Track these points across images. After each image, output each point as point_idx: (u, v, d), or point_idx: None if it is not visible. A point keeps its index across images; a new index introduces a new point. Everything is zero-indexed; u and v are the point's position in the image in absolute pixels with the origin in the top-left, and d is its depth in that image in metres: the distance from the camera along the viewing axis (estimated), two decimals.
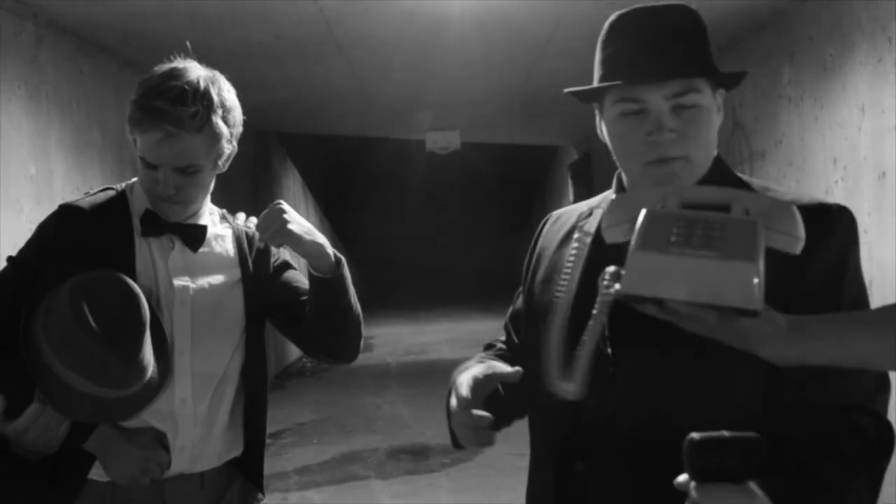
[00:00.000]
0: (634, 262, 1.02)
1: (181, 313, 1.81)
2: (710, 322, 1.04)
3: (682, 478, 1.09)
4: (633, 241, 1.03)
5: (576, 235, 1.43)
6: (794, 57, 5.14)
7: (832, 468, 1.17)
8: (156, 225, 1.80)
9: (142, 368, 1.69)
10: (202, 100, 1.72)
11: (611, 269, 1.11)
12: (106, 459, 1.75)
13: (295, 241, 1.75)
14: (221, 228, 1.91)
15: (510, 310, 1.66)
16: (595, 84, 1.39)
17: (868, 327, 1.08)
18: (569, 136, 11.32)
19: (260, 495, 1.96)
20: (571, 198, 11.18)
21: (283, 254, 1.96)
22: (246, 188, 8.17)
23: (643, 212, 1.07)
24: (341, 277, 1.82)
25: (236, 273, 1.88)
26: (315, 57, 6.01)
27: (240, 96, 1.85)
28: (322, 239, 1.80)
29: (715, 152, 1.38)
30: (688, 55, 1.32)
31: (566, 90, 1.43)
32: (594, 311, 1.17)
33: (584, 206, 1.54)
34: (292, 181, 11.55)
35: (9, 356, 1.71)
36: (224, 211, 1.95)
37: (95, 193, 1.86)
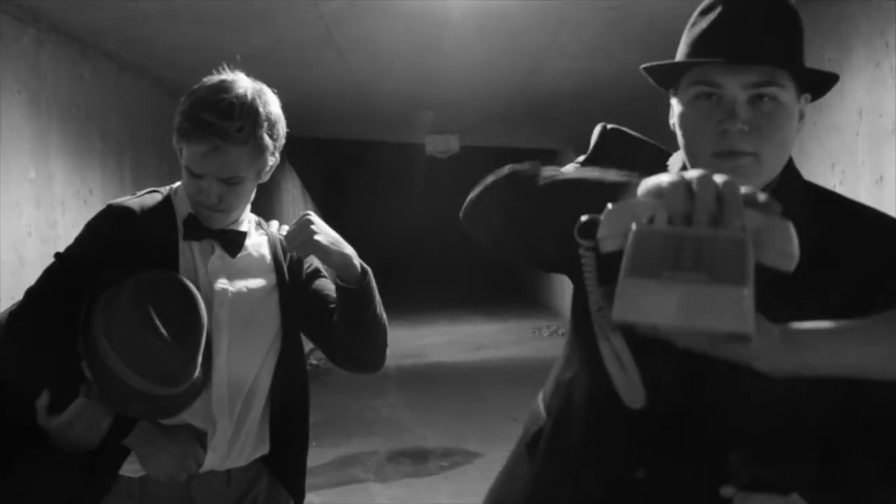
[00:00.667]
0: (624, 289, 1.00)
1: (220, 315, 1.84)
2: (703, 340, 1.04)
3: (729, 489, 1.08)
4: (622, 266, 1.02)
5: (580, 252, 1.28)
6: None
7: (884, 491, 1.14)
8: (198, 229, 1.84)
9: (194, 368, 1.74)
10: (249, 114, 1.76)
11: (600, 289, 1.10)
12: (145, 455, 1.78)
13: (322, 252, 1.80)
14: (257, 235, 1.94)
15: None
16: (674, 60, 1.28)
17: (861, 337, 1.08)
18: (569, 140, 11.33)
19: (289, 497, 1.98)
20: None
21: (315, 262, 2.00)
22: None
23: (632, 229, 1.04)
24: (368, 288, 1.85)
25: (272, 279, 1.93)
26: (315, 61, 6.02)
27: None
28: (349, 250, 1.84)
29: (787, 158, 1.29)
30: (775, 44, 1.21)
31: (643, 66, 1.31)
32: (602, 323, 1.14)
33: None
34: (291, 184, 11.57)
35: (56, 352, 1.74)
36: (260, 218, 1.98)
37: (142, 195, 1.89)
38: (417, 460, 6.04)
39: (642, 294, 0.99)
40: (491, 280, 19.57)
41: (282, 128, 1.88)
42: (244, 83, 1.80)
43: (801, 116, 1.28)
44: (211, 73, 1.85)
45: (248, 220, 1.94)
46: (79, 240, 1.84)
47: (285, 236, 1.84)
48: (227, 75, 1.82)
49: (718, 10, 1.23)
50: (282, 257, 1.93)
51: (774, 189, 1.28)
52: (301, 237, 1.78)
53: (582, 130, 10.71)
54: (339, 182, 21.99)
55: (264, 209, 1.88)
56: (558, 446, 1.42)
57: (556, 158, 13.80)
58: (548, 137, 11.43)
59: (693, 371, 1.23)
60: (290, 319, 1.93)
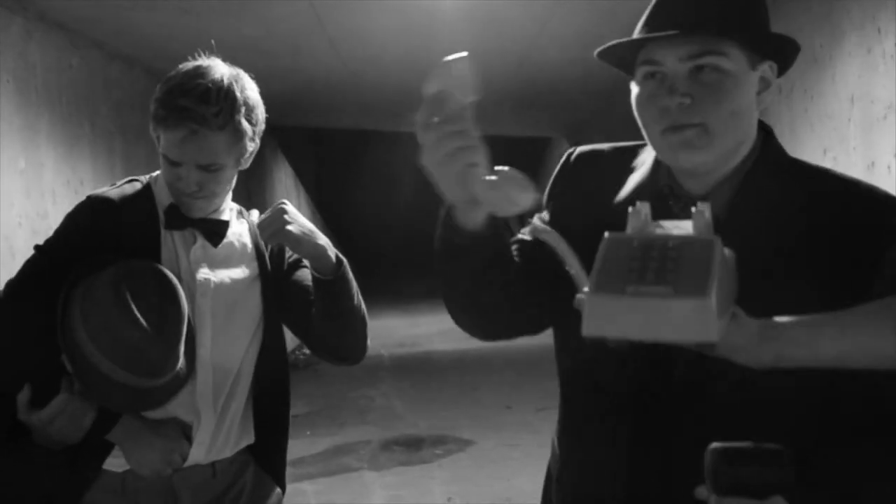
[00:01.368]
0: (591, 305, 1.03)
1: (202, 305, 1.83)
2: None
3: (703, 490, 1.08)
4: (590, 280, 1.04)
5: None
6: None
7: (871, 489, 1.13)
8: (179, 218, 1.83)
9: (176, 359, 1.72)
10: (226, 98, 1.74)
11: (580, 295, 1.09)
12: (130, 450, 1.76)
13: (293, 242, 1.78)
14: (239, 225, 1.93)
15: None
16: (612, 42, 1.28)
17: (840, 329, 1.09)
18: (561, 127, 11.32)
19: (275, 486, 1.97)
20: None
21: None
22: (238, 181, 8.15)
23: (605, 238, 1.07)
24: (343, 279, 1.84)
25: (254, 268, 1.91)
26: (306, 50, 5.99)
27: None
28: (323, 240, 1.82)
29: (753, 130, 1.26)
30: (711, 13, 1.18)
31: (597, 55, 1.31)
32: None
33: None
34: (284, 174, 11.54)
35: (37, 346, 1.73)
36: (241, 207, 1.97)
37: (122, 185, 1.87)
38: (411, 448, 6.05)
39: (609, 310, 1.02)
40: None
41: (260, 113, 1.85)
42: (221, 68, 1.79)
43: (767, 84, 1.25)
44: (234, 68, 1.83)
45: (229, 209, 1.92)
46: (58, 232, 1.83)
47: (258, 224, 1.83)
48: (203, 61, 1.80)
49: None
50: (263, 247, 1.92)
51: (755, 161, 1.27)
52: (273, 226, 1.76)
53: (574, 118, 10.76)
54: (332, 172, 21.94)
55: (257, 200, 1.86)
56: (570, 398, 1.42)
57: (550, 146, 13.78)
58: (540, 126, 11.42)
59: (668, 366, 1.25)
60: (272, 309, 1.92)
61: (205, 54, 1.83)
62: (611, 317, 1.02)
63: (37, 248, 1.81)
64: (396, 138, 14.21)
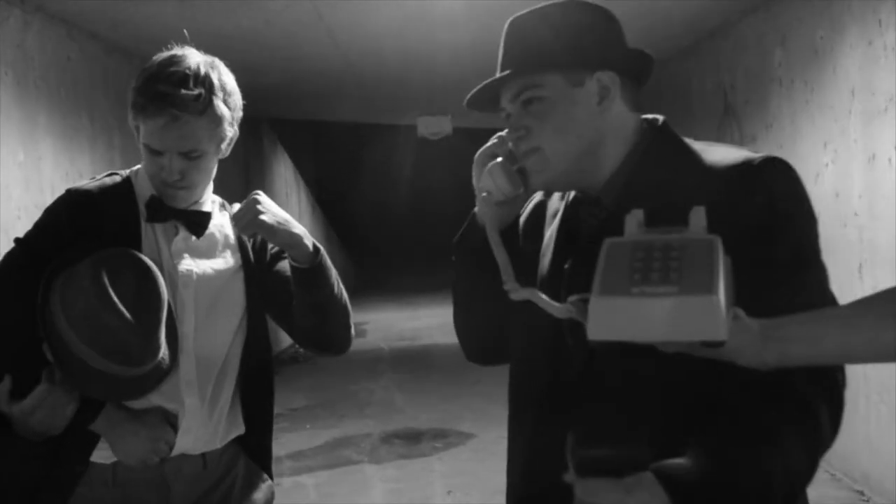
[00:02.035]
0: (597, 308, 1.02)
1: (185, 296, 1.82)
2: (682, 345, 1.06)
3: (570, 475, 1.09)
4: (594, 284, 1.03)
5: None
6: (786, 40, 5.14)
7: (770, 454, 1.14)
8: (160, 210, 1.82)
9: (157, 347, 1.71)
10: (203, 83, 1.73)
11: (573, 297, 1.11)
12: (114, 440, 1.75)
13: (267, 232, 1.77)
14: (221, 216, 1.92)
15: None
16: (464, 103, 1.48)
17: (841, 325, 1.09)
18: None
19: (265, 476, 1.97)
20: None
21: None
22: (237, 174, 8.14)
23: (604, 243, 1.07)
24: (321, 267, 1.83)
25: (237, 259, 1.91)
26: (305, 42, 5.98)
27: None
28: (299, 229, 1.80)
29: (601, 135, 1.36)
30: (516, 55, 1.36)
31: (466, 105, 1.49)
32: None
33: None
34: (284, 167, 11.52)
35: (17, 337, 1.72)
36: (223, 200, 1.96)
37: (101, 178, 1.87)
38: (411, 441, 6.05)
39: (614, 312, 1.01)
40: None
41: (238, 100, 1.84)
42: (196, 56, 1.78)
43: (607, 91, 1.35)
44: (208, 56, 1.83)
45: (210, 201, 1.91)
46: (38, 225, 1.82)
47: (232, 216, 1.82)
48: (178, 50, 1.79)
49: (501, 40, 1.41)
50: (245, 238, 1.91)
51: (642, 153, 1.37)
52: (246, 217, 1.75)
53: None
54: (331, 165, 21.92)
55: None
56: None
57: None
58: None
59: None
60: (255, 299, 1.91)
61: (178, 45, 1.81)
62: (617, 319, 1.01)
63: (17, 240, 1.81)
64: (396, 131, 14.19)
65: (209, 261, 1.86)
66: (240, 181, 8.21)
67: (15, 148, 4.19)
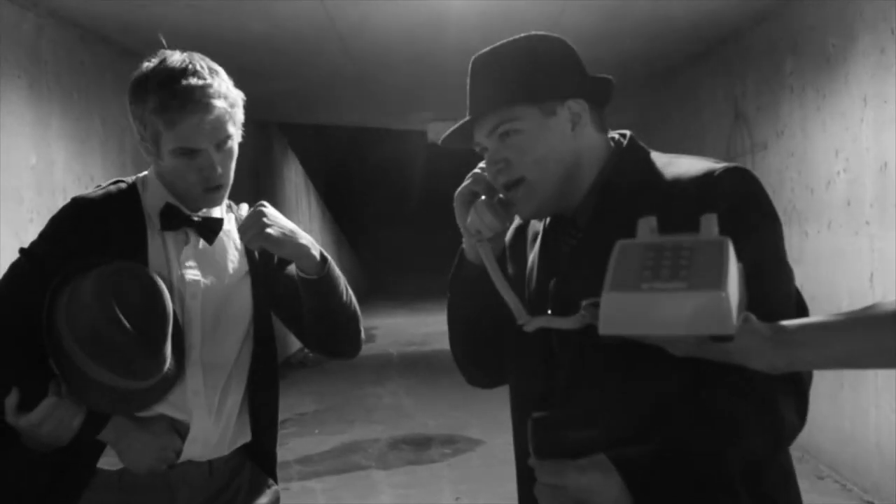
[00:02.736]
0: (608, 303, 1.04)
1: (192, 307, 1.82)
2: (692, 344, 1.08)
3: (532, 460, 1.15)
4: (605, 281, 1.06)
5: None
6: (797, 48, 5.13)
7: (699, 437, 1.20)
8: (175, 218, 1.82)
9: (163, 361, 1.71)
10: (207, 69, 1.75)
11: (585, 302, 1.14)
12: (122, 449, 1.76)
13: (273, 245, 1.77)
14: (228, 220, 1.92)
15: None
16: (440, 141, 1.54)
17: (851, 331, 1.09)
18: None
19: (271, 482, 1.97)
20: None
21: None
22: (247, 178, 8.16)
23: (616, 245, 1.10)
24: (328, 277, 1.82)
25: (244, 265, 1.90)
26: (316, 47, 6.00)
27: (240, 86, 1.85)
28: (306, 239, 1.80)
29: (579, 157, 1.41)
30: (488, 94, 1.41)
31: (443, 143, 1.55)
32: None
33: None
34: (294, 172, 11.54)
35: (24, 349, 1.71)
36: (230, 202, 1.95)
37: (107, 187, 1.86)
38: (419, 447, 6.05)
39: (625, 307, 1.04)
40: None
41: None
42: (177, 53, 1.78)
43: (576, 119, 1.41)
44: (213, 59, 1.83)
45: (219, 206, 1.91)
46: (43, 235, 1.81)
47: (238, 228, 1.82)
48: (158, 55, 1.79)
49: (468, 79, 1.46)
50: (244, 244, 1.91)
51: (611, 171, 1.42)
52: (252, 230, 1.75)
53: None
54: (341, 169, 21.95)
55: (267, 197, 1.85)
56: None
57: None
58: None
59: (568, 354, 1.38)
60: (262, 305, 1.91)
61: (154, 55, 1.81)
62: (627, 314, 1.03)
63: (22, 250, 1.80)
64: (406, 136, 14.20)
65: (217, 269, 1.86)
66: (250, 185, 8.23)
67: (28, 151, 4.21)
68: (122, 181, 1.87)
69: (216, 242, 1.86)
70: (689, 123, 7.16)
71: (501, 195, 1.46)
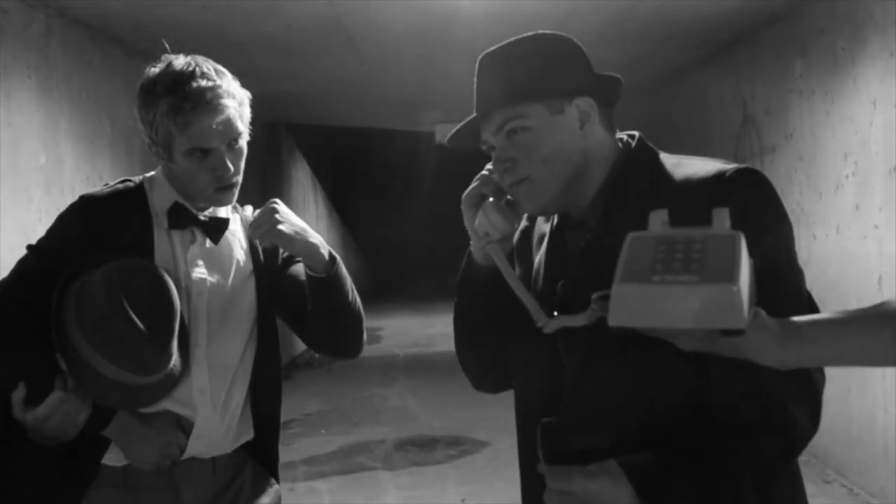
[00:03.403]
0: (618, 294, 1.03)
1: (198, 305, 1.83)
2: (702, 338, 1.07)
3: (542, 466, 1.15)
4: (616, 272, 1.05)
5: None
6: (806, 51, 5.11)
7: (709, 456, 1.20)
8: (183, 217, 1.84)
9: (170, 357, 1.72)
10: (214, 72, 1.77)
11: (595, 295, 1.14)
12: (126, 445, 1.77)
13: (285, 242, 1.79)
14: (234, 220, 1.93)
15: None
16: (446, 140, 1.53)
17: (862, 328, 1.08)
18: None
19: (273, 481, 1.98)
20: None
21: None
22: (255, 179, 8.17)
23: (627, 238, 1.09)
24: (336, 276, 1.84)
25: (249, 265, 1.92)
26: (325, 48, 6.00)
27: (249, 86, 1.87)
28: (315, 238, 1.82)
29: (587, 157, 1.40)
30: (497, 90, 1.40)
31: (448, 143, 1.54)
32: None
33: None
34: (301, 172, 11.56)
35: (31, 344, 1.73)
36: (235, 203, 1.96)
37: (114, 185, 1.88)
38: (425, 449, 6.05)
39: (635, 298, 1.03)
40: None
41: None
42: (181, 57, 1.80)
43: (585, 118, 1.40)
44: (222, 60, 1.84)
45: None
46: (51, 231, 1.83)
47: (250, 225, 1.84)
48: (161, 61, 1.80)
49: (475, 78, 1.45)
50: (257, 243, 1.93)
51: (620, 172, 1.41)
52: (264, 226, 1.77)
53: None
54: (348, 170, 21.98)
55: (275, 197, 1.86)
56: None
57: None
58: None
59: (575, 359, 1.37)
60: (267, 304, 1.92)
61: (159, 59, 1.82)
62: (637, 306, 1.02)
63: (29, 247, 1.82)
64: (414, 137, 14.21)
65: (222, 268, 1.87)
66: (257, 186, 8.24)
67: (37, 151, 4.22)
68: (130, 180, 1.88)
69: (222, 242, 1.88)
70: (697, 126, 7.15)
71: (509, 196, 1.45)
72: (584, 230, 1.42)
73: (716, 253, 1.03)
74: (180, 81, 1.73)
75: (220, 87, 1.74)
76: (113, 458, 1.79)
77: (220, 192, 1.80)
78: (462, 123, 1.44)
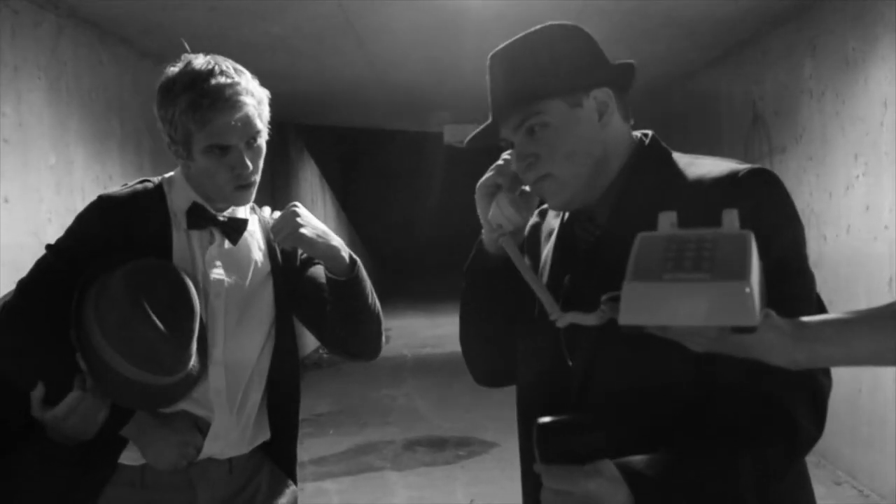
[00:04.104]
0: (629, 292, 1.03)
1: (216, 306, 1.83)
2: (713, 337, 1.06)
3: (538, 466, 1.14)
4: (627, 271, 1.05)
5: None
6: (816, 51, 5.09)
7: (717, 445, 1.19)
8: (202, 218, 1.84)
9: (189, 357, 1.73)
10: (233, 70, 1.78)
11: (605, 297, 1.13)
12: (144, 445, 1.77)
13: (307, 245, 1.79)
14: (252, 222, 1.93)
15: None
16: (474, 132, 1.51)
17: (873, 328, 1.07)
18: None
19: (290, 482, 1.98)
20: None
21: None
22: (264, 179, 8.17)
23: (637, 238, 1.09)
24: (357, 279, 1.84)
25: (267, 266, 1.92)
26: (334, 49, 6.01)
27: None
28: (336, 241, 1.82)
29: (607, 150, 1.39)
30: (514, 87, 1.38)
31: (468, 144, 1.53)
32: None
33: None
34: (310, 173, 11.57)
35: (50, 344, 1.74)
36: (253, 204, 1.97)
37: (133, 185, 1.88)
38: (434, 449, 6.05)
39: (646, 297, 1.02)
40: None
41: None
42: (200, 56, 1.80)
43: (603, 109, 1.39)
44: (232, 60, 1.84)
45: (244, 206, 1.92)
46: (70, 231, 1.83)
47: (271, 228, 1.83)
48: (181, 60, 1.80)
49: (487, 77, 1.44)
50: (275, 244, 1.92)
51: (632, 168, 1.40)
52: (286, 230, 1.77)
53: None
54: (357, 170, 22.00)
55: (282, 198, 1.86)
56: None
57: None
58: None
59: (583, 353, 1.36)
60: (284, 306, 1.92)
61: (178, 59, 1.82)
62: (648, 304, 1.02)
63: (48, 247, 1.82)
64: (422, 138, 14.22)
65: (240, 269, 1.87)
66: (266, 186, 8.26)
67: (47, 151, 4.24)
68: (149, 180, 1.89)
69: (240, 243, 1.88)
70: (706, 127, 7.13)
71: (526, 187, 1.44)
72: (593, 226, 1.41)
73: (727, 251, 1.02)
74: (199, 79, 1.73)
75: (238, 84, 1.75)
76: (130, 457, 1.79)
77: (239, 191, 1.80)
78: (482, 126, 1.43)
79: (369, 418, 7.06)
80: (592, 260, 1.39)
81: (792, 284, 1.24)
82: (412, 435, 6.42)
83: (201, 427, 1.82)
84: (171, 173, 1.90)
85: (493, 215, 1.44)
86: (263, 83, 1.87)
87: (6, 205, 3.82)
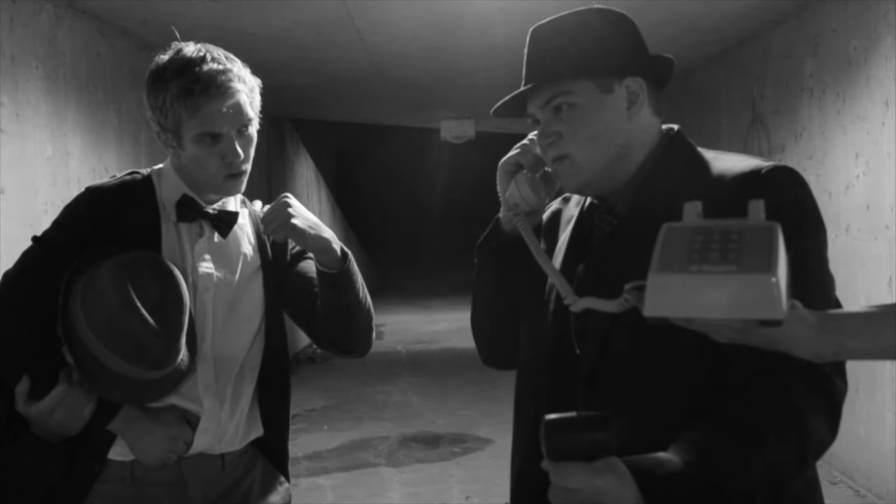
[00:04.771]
0: (654, 284, 1.02)
1: (205, 299, 1.81)
2: (738, 329, 1.05)
3: (546, 463, 1.13)
4: (652, 262, 1.04)
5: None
6: (818, 50, 5.08)
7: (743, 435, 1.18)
8: (191, 210, 1.81)
9: (178, 351, 1.70)
10: (224, 57, 1.76)
11: (628, 286, 1.12)
12: (132, 440, 1.75)
13: (298, 236, 1.76)
14: (242, 216, 1.91)
15: None
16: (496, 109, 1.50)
17: None
18: None
19: (283, 479, 1.96)
20: None
21: None
22: (259, 173, 8.16)
23: (662, 228, 1.08)
24: (348, 273, 1.82)
25: (256, 260, 1.90)
26: (334, 43, 5.98)
27: None
28: (328, 234, 1.80)
29: (632, 139, 1.39)
30: (550, 63, 1.38)
31: (492, 112, 1.51)
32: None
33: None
34: (305, 167, 11.54)
35: (35, 337, 1.71)
36: (243, 197, 1.94)
37: (122, 177, 1.86)
38: (429, 445, 6.04)
39: (672, 289, 1.01)
40: None
41: None
42: (191, 44, 1.78)
43: (636, 96, 1.38)
44: (231, 53, 1.82)
45: (233, 199, 1.90)
46: (57, 223, 1.81)
47: (262, 219, 1.81)
48: (171, 48, 1.78)
49: (525, 49, 1.43)
50: (265, 237, 1.91)
51: (656, 161, 1.40)
52: (277, 220, 1.74)
53: None
54: (352, 165, 21.97)
55: (278, 192, 1.83)
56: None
57: None
58: None
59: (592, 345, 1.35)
60: (274, 300, 1.90)
61: (168, 46, 1.80)
62: (674, 296, 1.01)
63: (35, 238, 1.80)
64: (419, 134, 14.19)
65: (230, 263, 1.85)
66: (261, 180, 8.23)
67: (43, 143, 4.21)
68: (137, 172, 1.86)
69: (230, 236, 1.85)
70: (706, 125, 7.12)
71: (547, 168, 1.44)
72: (612, 215, 1.41)
73: (753, 243, 1.01)
74: (191, 65, 1.71)
75: (230, 70, 1.73)
76: (119, 452, 1.77)
77: (230, 180, 1.78)
78: (510, 95, 1.42)
79: (364, 414, 7.04)
80: (607, 249, 1.38)
81: (810, 287, 1.22)
82: (407, 431, 6.41)
83: (191, 421, 1.80)
84: (161, 165, 1.87)
85: (511, 194, 1.45)
86: (261, 76, 1.85)
87: (2, 196, 3.79)
